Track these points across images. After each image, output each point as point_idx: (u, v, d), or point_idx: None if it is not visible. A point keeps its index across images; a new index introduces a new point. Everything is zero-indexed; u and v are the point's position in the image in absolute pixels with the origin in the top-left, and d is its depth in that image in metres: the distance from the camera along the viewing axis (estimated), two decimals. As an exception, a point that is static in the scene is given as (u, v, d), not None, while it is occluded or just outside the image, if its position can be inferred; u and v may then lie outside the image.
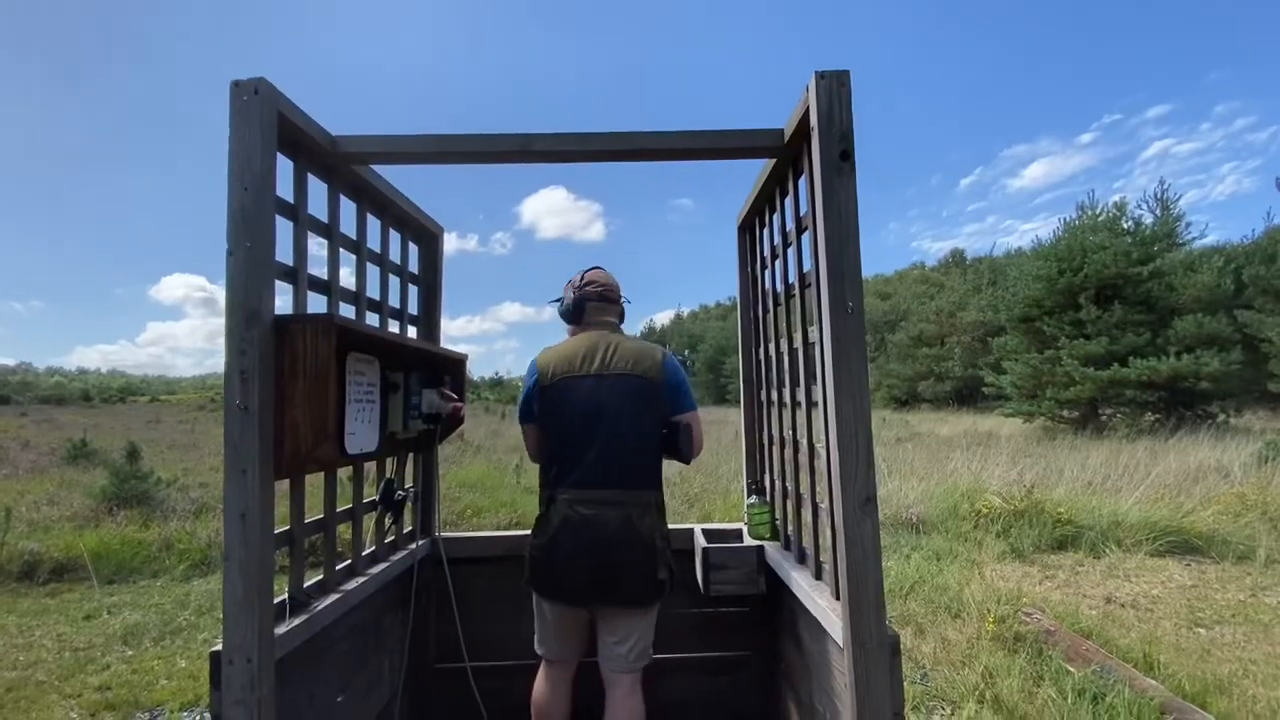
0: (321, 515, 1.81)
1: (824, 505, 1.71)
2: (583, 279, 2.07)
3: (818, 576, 1.85)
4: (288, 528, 1.64)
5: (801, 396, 1.91)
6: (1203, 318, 16.14)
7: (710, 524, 2.61)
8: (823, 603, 1.66)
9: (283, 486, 1.54)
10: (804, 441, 1.92)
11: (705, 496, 7.99)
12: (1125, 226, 17.99)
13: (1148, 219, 18.51)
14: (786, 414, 2.10)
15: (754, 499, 2.37)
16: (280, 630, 1.46)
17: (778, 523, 2.31)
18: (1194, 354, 15.30)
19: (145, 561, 5.67)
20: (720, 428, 17.84)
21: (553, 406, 1.90)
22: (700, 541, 2.30)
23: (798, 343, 1.92)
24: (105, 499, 7.15)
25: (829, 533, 1.63)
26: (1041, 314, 18.42)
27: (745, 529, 2.43)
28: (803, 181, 1.78)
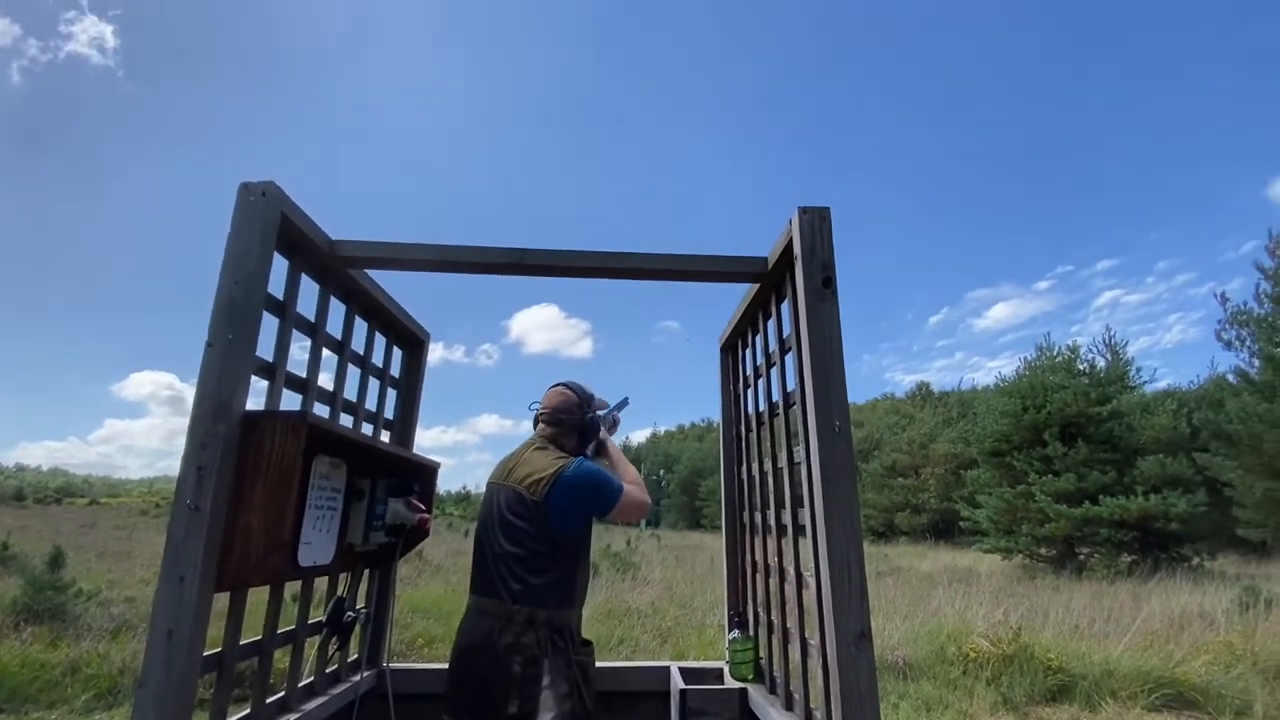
0: (259, 637, 1.62)
1: (814, 641, 1.59)
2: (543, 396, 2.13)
3: (807, 725, 1.67)
4: (219, 650, 1.46)
5: (788, 519, 1.84)
6: (1164, 458, 16.52)
7: (688, 662, 2.40)
8: (814, 757, 1.49)
9: (219, 602, 1.39)
10: (791, 569, 1.83)
11: (679, 630, 7.48)
12: (1081, 368, 18.90)
13: (1100, 362, 19.53)
14: (771, 539, 2.02)
15: (736, 633, 2.21)
16: (189, 779, 1.24)
17: (762, 661, 2.14)
18: (1161, 494, 15.50)
19: (44, 688, 4.97)
20: (695, 554, 17.14)
21: (480, 510, 1.98)
22: (677, 682, 2.10)
23: (782, 462, 1.89)
24: (14, 612, 6.41)
25: (820, 674, 1.50)
26: (1010, 449, 18.73)
27: (726, 668, 2.24)
28: (785, 305, 1.85)
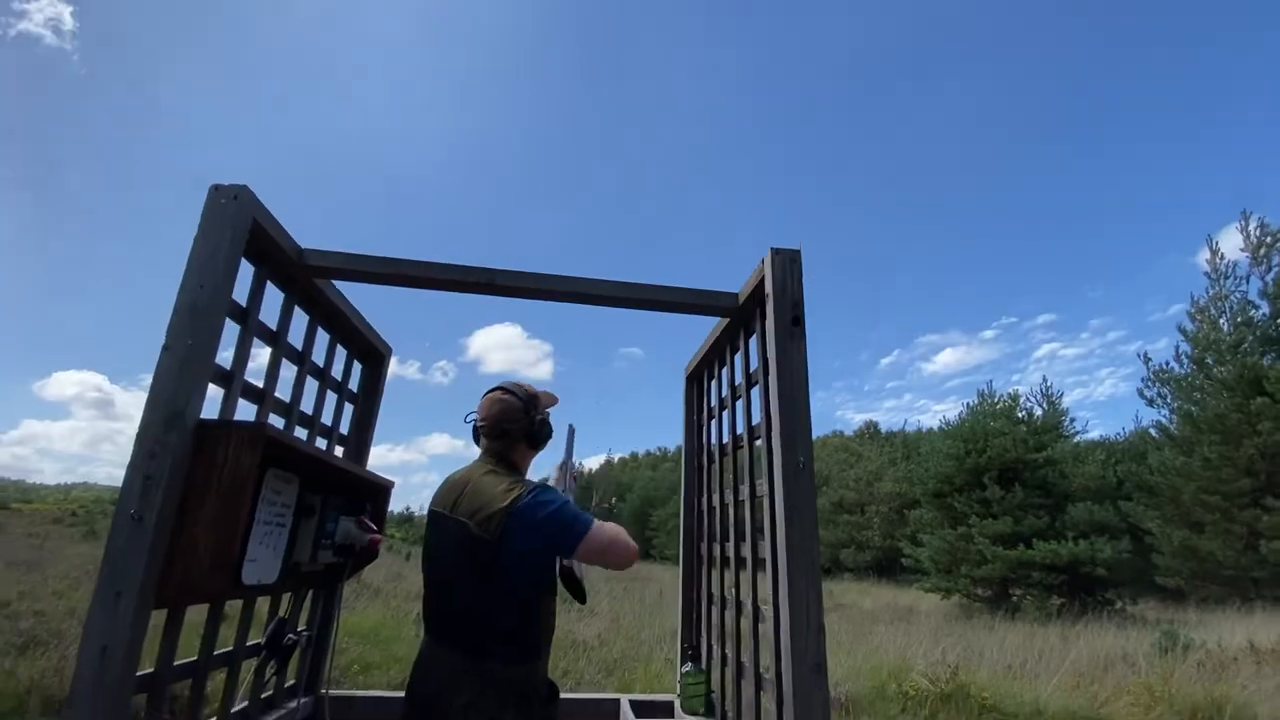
0: (195, 657, 1.54)
1: (768, 675, 1.61)
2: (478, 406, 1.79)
3: (758, 760, 1.68)
4: (152, 670, 1.37)
5: (747, 552, 1.87)
6: (1093, 506, 17.39)
7: (638, 695, 2.38)
8: (765, 793, 1.49)
9: (156, 618, 1.32)
10: (748, 602, 1.84)
11: (625, 663, 7.34)
12: (1020, 416, 19.81)
13: (1038, 411, 20.52)
14: (729, 572, 2.03)
15: (689, 666, 2.20)
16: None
17: (714, 695, 2.13)
18: (1089, 540, 16.26)
19: (-72, 713, 4.52)
20: (644, 585, 16.93)
21: (425, 539, 1.72)
22: (628, 715, 2.08)
23: (744, 494, 1.92)
24: (-100, 627, 5.83)
25: (773, 708, 1.51)
26: (952, 490, 19.37)
27: (677, 701, 2.23)
28: (754, 340, 1.90)
